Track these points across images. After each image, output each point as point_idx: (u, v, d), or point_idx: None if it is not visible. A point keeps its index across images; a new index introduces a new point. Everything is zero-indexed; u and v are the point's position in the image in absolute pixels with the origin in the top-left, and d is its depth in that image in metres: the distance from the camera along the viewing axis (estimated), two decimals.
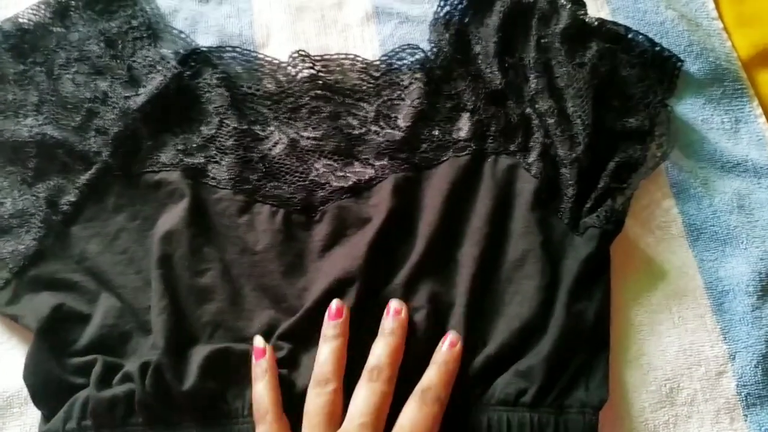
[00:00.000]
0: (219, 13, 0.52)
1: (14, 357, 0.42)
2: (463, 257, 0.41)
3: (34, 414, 0.40)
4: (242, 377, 0.38)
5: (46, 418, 0.38)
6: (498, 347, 0.39)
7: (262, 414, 0.36)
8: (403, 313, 0.39)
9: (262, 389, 0.37)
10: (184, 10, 0.51)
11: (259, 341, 0.39)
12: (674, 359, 0.42)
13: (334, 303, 0.39)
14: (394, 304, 0.39)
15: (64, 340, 0.40)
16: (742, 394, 0.41)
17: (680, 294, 0.43)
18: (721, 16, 0.52)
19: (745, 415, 0.40)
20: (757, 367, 0.41)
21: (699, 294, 0.43)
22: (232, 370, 0.39)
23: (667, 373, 0.41)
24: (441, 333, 0.39)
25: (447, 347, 0.38)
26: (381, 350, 0.38)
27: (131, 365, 0.38)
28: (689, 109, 0.49)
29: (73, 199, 0.43)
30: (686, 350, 0.42)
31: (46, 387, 0.38)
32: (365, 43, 0.51)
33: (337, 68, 0.47)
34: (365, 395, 0.36)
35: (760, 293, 0.43)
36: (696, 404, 0.41)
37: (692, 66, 0.49)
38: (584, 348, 0.39)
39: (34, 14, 0.48)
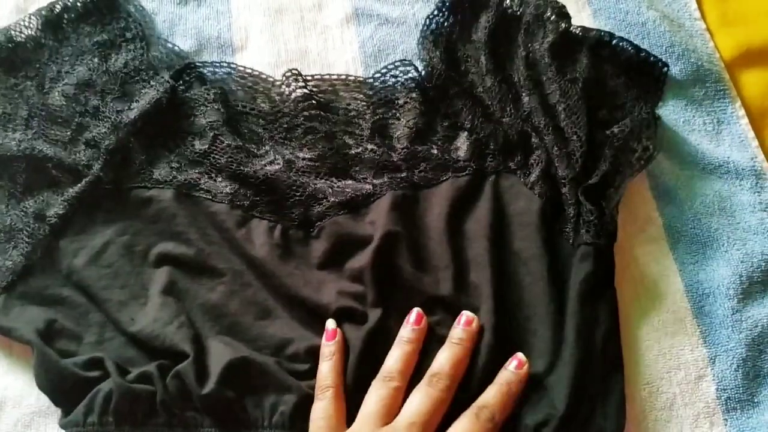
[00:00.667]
0: (197, 15, 0.52)
1: None
2: (479, 280, 0.41)
3: (9, 420, 0.41)
4: (262, 387, 0.39)
5: (66, 413, 0.39)
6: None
7: (323, 389, 0.38)
8: (474, 325, 0.39)
9: (327, 368, 0.38)
10: (163, 12, 0.51)
11: (331, 323, 0.40)
12: (653, 363, 0.41)
13: (415, 311, 0.40)
14: (466, 315, 0.40)
15: (62, 352, 0.40)
16: (722, 398, 0.41)
17: (660, 297, 0.43)
18: (703, 16, 0.52)
19: (725, 420, 0.40)
20: (738, 371, 0.41)
21: (679, 297, 0.43)
22: (252, 380, 0.39)
23: (646, 377, 0.41)
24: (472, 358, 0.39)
25: (513, 368, 0.38)
26: (445, 358, 0.38)
27: (149, 366, 0.39)
28: (671, 110, 0.48)
29: (60, 211, 0.43)
30: (666, 354, 0.42)
31: (63, 386, 0.39)
32: (345, 44, 0.51)
33: (330, 88, 0.47)
34: (421, 398, 0.37)
35: (740, 296, 0.43)
36: (675, 408, 0.40)
37: (674, 67, 0.49)
38: (596, 373, 0.39)
39: (26, 26, 0.48)
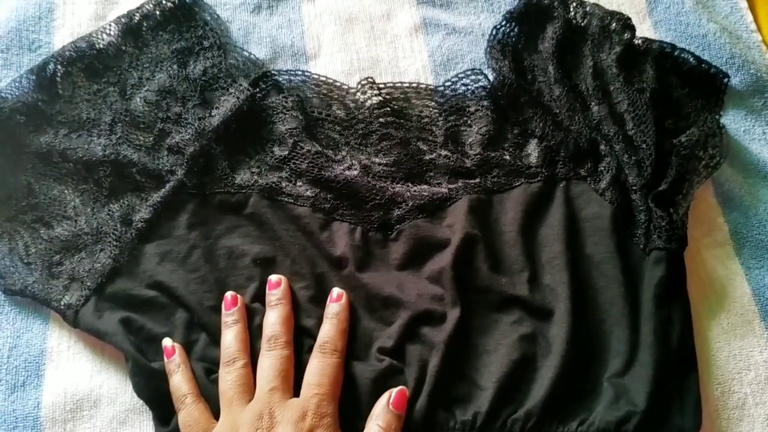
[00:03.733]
0: (270, 23, 0.53)
1: (82, 360, 0.44)
2: (554, 283, 0.43)
3: (104, 416, 0.42)
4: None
5: (161, 419, 0.40)
6: (595, 371, 0.41)
7: (181, 398, 0.39)
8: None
9: (179, 379, 0.40)
10: (237, 20, 0.52)
11: (167, 341, 0.42)
12: (725, 364, 0.43)
13: (228, 295, 0.42)
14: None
15: (154, 356, 0.42)
16: None
17: (728, 300, 0.45)
18: (759, 29, 0.54)
19: None
20: None
21: (747, 300, 0.45)
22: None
23: (718, 377, 0.43)
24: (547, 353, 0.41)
25: (334, 301, 0.42)
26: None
27: None
28: (731, 119, 0.50)
29: (146, 216, 0.45)
30: (736, 355, 0.44)
31: (159, 395, 0.40)
32: (414, 53, 0.52)
33: (402, 95, 0.49)
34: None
35: None
36: (747, 408, 0.42)
37: (734, 78, 0.51)
38: (673, 372, 0.41)
39: (107, 34, 0.49)
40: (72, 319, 0.43)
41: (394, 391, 0.40)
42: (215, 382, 0.40)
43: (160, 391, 0.40)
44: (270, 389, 0.38)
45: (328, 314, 0.42)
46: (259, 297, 0.43)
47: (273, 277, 0.43)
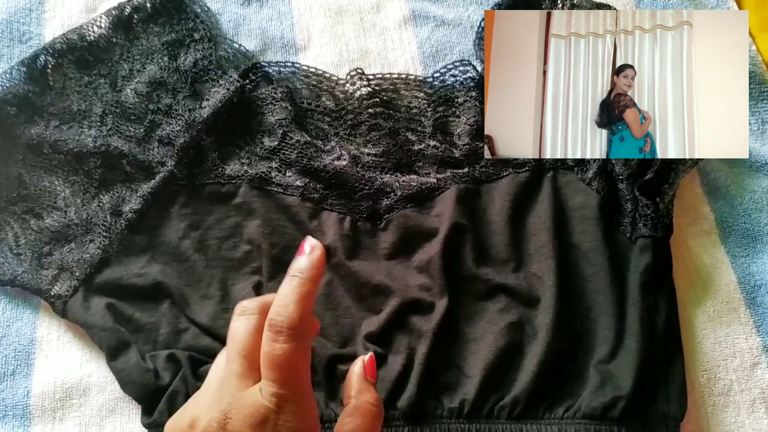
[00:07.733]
0: (260, 16, 0.53)
1: (72, 349, 0.44)
2: (542, 271, 0.43)
3: (94, 405, 0.42)
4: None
5: (147, 410, 0.40)
6: (582, 357, 0.42)
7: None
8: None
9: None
10: (227, 12, 0.53)
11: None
12: (710, 351, 0.44)
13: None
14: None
15: (140, 348, 0.42)
16: None
17: (714, 288, 0.45)
18: None
19: None
20: None
21: (732, 288, 0.45)
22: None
23: (704, 364, 0.43)
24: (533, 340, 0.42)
25: (302, 254, 0.33)
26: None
27: None
28: None
29: (136, 206, 0.45)
30: (721, 342, 0.44)
31: (146, 392, 0.40)
32: (404, 45, 0.52)
33: (391, 86, 0.49)
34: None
35: None
36: (732, 394, 0.43)
37: None
38: (659, 359, 0.41)
39: (98, 26, 0.49)
40: (60, 309, 0.43)
41: (367, 361, 0.36)
42: (202, 375, 0.40)
43: (144, 392, 0.40)
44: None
45: (289, 271, 0.32)
46: (246, 285, 0.43)
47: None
